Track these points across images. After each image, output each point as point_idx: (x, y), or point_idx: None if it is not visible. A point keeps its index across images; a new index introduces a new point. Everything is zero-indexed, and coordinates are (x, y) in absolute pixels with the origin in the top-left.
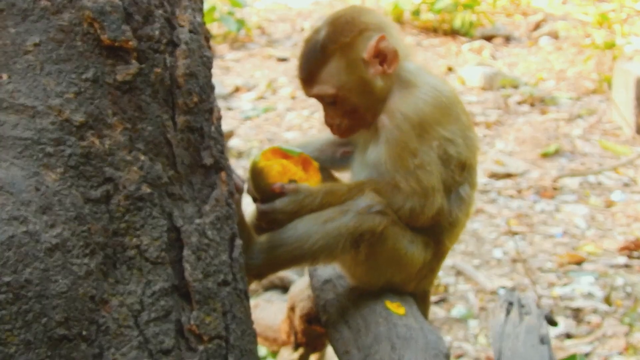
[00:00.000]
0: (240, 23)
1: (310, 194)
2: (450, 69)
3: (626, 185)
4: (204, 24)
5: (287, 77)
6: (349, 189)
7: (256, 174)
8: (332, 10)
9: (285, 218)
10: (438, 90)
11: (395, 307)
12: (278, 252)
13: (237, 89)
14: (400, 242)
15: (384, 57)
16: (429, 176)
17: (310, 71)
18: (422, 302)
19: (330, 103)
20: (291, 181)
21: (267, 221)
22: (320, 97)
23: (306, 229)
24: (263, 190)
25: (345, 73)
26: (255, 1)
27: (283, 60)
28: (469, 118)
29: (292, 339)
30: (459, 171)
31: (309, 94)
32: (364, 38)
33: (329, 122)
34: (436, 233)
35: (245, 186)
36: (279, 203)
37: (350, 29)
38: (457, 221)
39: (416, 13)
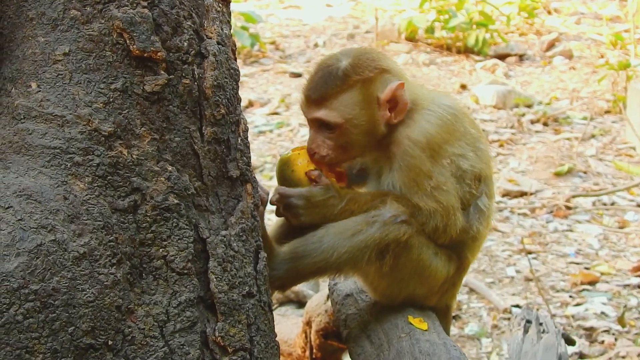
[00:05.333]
0: (255, 38)
1: (338, 195)
2: (463, 87)
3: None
4: (231, 36)
5: None
6: (372, 197)
7: (283, 163)
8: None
9: (304, 209)
10: (441, 109)
11: (418, 322)
12: (301, 264)
13: (250, 104)
14: (425, 253)
15: (395, 105)
16: (447, 195)
17: (324, 94)
18: (443, 317)
19: (328, 130)
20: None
21: (285, 206)
22: (320, 122)
23: (332, 242)
24: (288, 179)
25: (359, 107)
26: (270, 16)
27: (296, 75)
28: (478, 129)
29: (308, 353)
30: (475, 184)
31: (312, 116)
32: (385, 80)
33: (314, 149)
34: (459, 248)
35: (271, 195)
36: (308, 191)
37: (374, 66)
38: (478, 234)
39: (430, 30)
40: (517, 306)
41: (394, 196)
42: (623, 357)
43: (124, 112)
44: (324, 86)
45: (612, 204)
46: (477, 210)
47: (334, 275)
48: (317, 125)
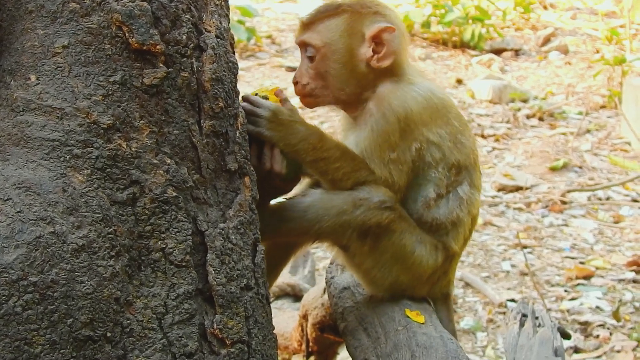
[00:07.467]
0: (251, 32)
1: (303, 123)
2: (459, 82)
3: (635, 200)
4: (229, 29)
5: None
6: (337, 146)
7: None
8: None
9: (269, 122)
10: (432, 92)
11: (415, 316)
12: (284, 226)
13: None
14: (407, 239)
15: (381, 47)
16: (400, 174)
17: (313, 19)
18: (443, 305)
19: (310, 57)
20: None
21: (250, 112)
22: (304, 46)
23: (317, 215)
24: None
25: (340, 35)
26: (266, 11)
27: (292, 69)
28: (463, 122)
29: (304, 347)
30: (453, 172)
31: (298, 39)
32: (376, 20)
33: (297, 78)
34: (441, 234)
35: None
36: (276, 106)
37: (370, 6)
38: (458, 220)
39: (426, 25)
40: (513, 300)
41: (359, 160)
42: (618, 351)
43: (122, 104)
44: (316, 12)
45: (607, 198)
46: (456, 197)
47: (311, 241)
48: (303, 52)
